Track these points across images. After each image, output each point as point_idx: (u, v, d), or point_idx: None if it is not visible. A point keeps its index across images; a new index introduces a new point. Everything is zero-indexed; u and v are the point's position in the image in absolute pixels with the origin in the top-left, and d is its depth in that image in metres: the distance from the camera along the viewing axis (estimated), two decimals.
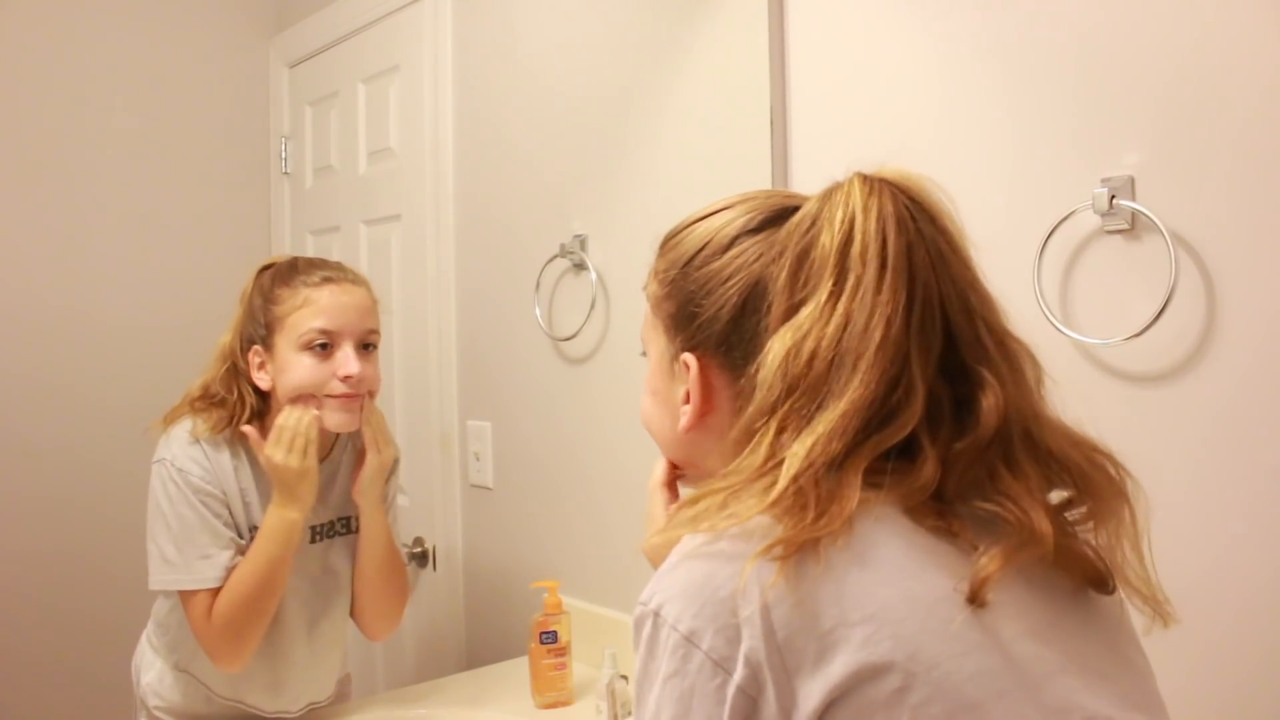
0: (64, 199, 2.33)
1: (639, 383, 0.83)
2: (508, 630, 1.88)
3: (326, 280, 1.41)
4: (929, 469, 0.64)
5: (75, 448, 2.28)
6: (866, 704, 0.57)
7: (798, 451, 0.62)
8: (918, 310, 0.65)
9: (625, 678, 1.45)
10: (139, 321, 2.37)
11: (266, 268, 1.48)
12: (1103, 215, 1.08)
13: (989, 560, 0.61)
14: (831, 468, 0.62)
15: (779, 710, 0.58)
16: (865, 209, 0.67)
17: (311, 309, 1.39)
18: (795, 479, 0.61)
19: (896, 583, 0.60)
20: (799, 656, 0.58)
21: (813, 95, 1.40)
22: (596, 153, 1.74)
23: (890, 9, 1.31)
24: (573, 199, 1.78)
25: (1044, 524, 0.64)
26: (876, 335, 0.63)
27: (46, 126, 2.30)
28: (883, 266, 0.65)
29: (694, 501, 0.65)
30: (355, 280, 1.45)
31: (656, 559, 0.81)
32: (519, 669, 1.65)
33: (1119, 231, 1.09)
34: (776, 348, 0.66)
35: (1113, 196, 1.06)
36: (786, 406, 0.64)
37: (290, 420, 1.38)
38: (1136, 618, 0.71)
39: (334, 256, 1.52)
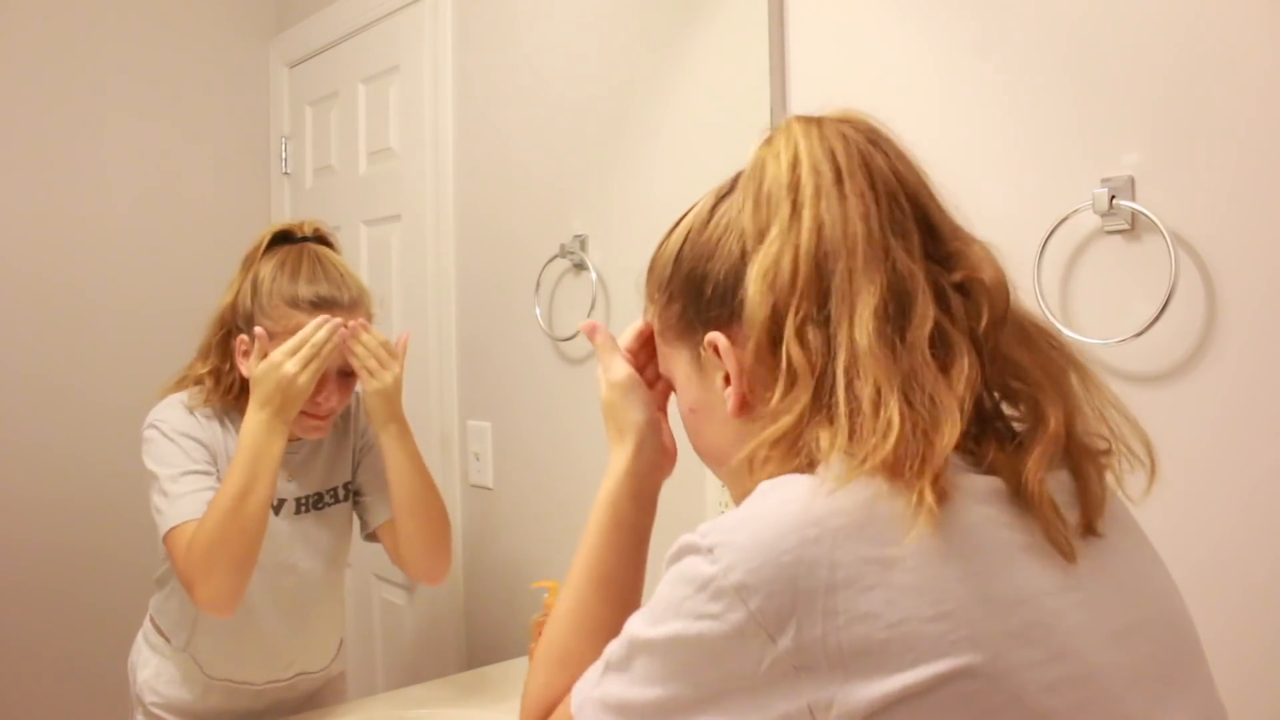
0: (64, 199, 2.32)
1: None
2: (508, 630, 1.88)
3: (319, 308, 1.38)
4: (968, 361, 0.62)
5: (74, 445, 2.28)
6: (934, 705, 0.54)
7: (863, 375, 0.60)
8: (885, 204, 0.65)
9: None
10: (139, 320, 2.37)
11: (278, 242, 1.45)
12: (1103, 215, 1.08)
13: (1029, 466, 0.61)
14: (911, 375, 0.60)
15: (823, 694, 0.55)
16: (807, 135, 0.68)
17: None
18: (904, 408, 0.58)
19: (978, 580, 0.57)
20: (860, 645, 0.54)
21: (813, 95, 1.40)
22: (596, 153, 1.74)
23: (890, 10, 1.31)
24: (573, 199, 1.78)
25: (1059, 419, 0.64)
26: (858, 233, 0.64)
27: (46, 126, 2.30)
28: (838, 174, 0.66)
29: (763, 454, 0.63)
30: (351, 305, 1.41)
31: (613, 414, 0.84)
32: (519, 669, 1.65)
33: (1119, 231, 1.09)
34: (754, 271, 0.65)
35: (1113, 196, 1.06)
36: (792, 315, 0.63)
37: (310, 331, 1.33)
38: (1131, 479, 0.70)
39: (353, 279, 1.47)
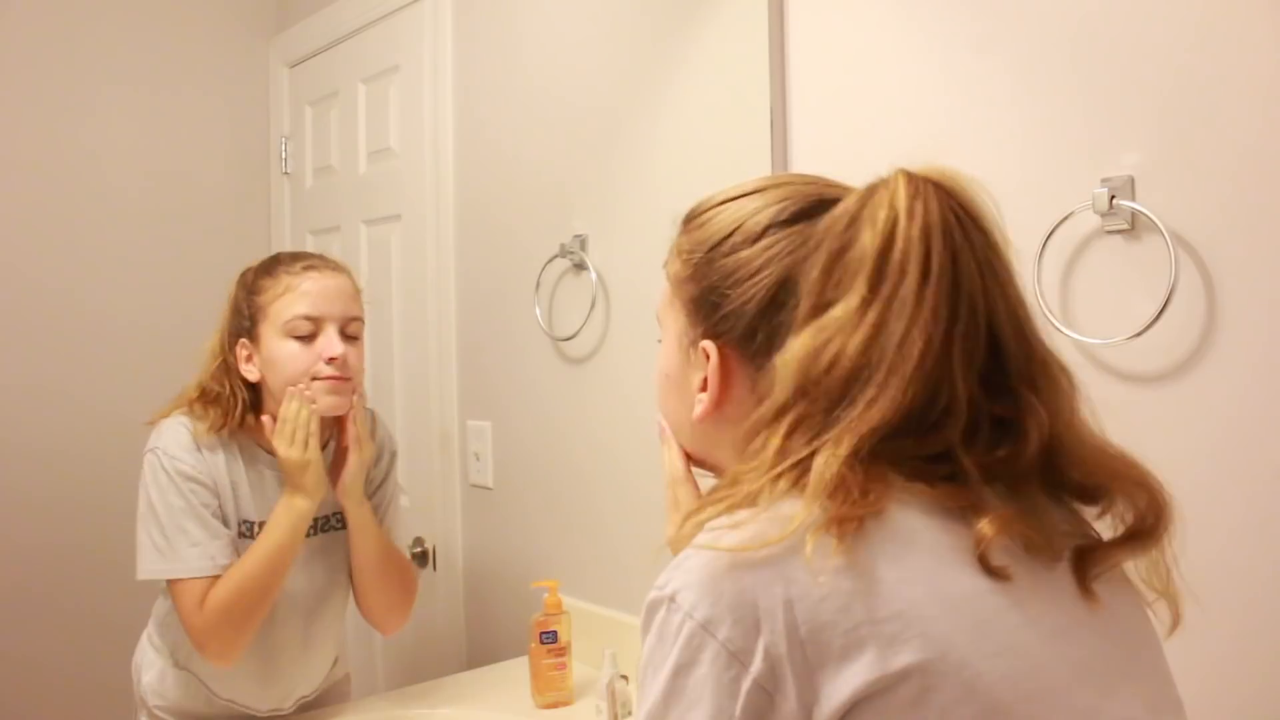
0: (64, 199, 2.33)
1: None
2: (508, 630, 1.88)
3: (308, 268, 1.44)
4: (974, 484, 0.62)
5: (75, 447, 2.28)
6: (895, 703, 0.56)
7: (825, 453, 0.60)
8: (962, 324, 0.62)
9: (625, 678, 1.45)
10: (139, 321, 2.37)
11: (248, 270, 1.50)
12: (1103, 215, 1.08)
13: (986, 524, 0.60)
14: (862, 463, 0.60)
15: (799, 706, 0.56)
16: (909, 212, 0.63)
17: (293, 295, 1.41)
18: (829, 468, 0.59)
19: (926, 580, 0.59)
20: (823, 652, 0.56)
21: (813, 95, 1.40)
22: (596, 153, 1.74)
23: (890, 10, 1.31)
24: (573, 199, 1.78)
25: (1050, 517, 0.64)
26: (916, 349, 0.60)
27: (46, 127, 2.30)
28: (924, 277, 0.61)
29: (714, 500, 0.64)
30: (336, 268, 1.47)
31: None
32: (519, 669, 1.65)
33: (1119, 231, 1.09)
34: (797, 346, 0.63)
35: (1113, 196, 1.06)
36: (799, 409, 0.62)
37: (289, 412, 1.39)
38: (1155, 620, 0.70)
39: (334, 256, 1.52)
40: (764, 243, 0.70)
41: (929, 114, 1.26)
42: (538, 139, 1.86)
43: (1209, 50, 1.02)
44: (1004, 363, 0.64)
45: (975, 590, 0.59)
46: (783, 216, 0.71)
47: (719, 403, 0.72)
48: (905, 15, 1.29)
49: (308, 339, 1.41)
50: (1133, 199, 1.07)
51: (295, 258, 1.47)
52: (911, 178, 0.65)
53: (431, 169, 2.09)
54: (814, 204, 0.71)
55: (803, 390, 0.62)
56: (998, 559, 0.60)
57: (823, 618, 0.57)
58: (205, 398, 1.44)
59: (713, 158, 1.52)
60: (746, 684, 0.57)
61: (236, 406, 1.42)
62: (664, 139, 1.62)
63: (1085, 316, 1.12)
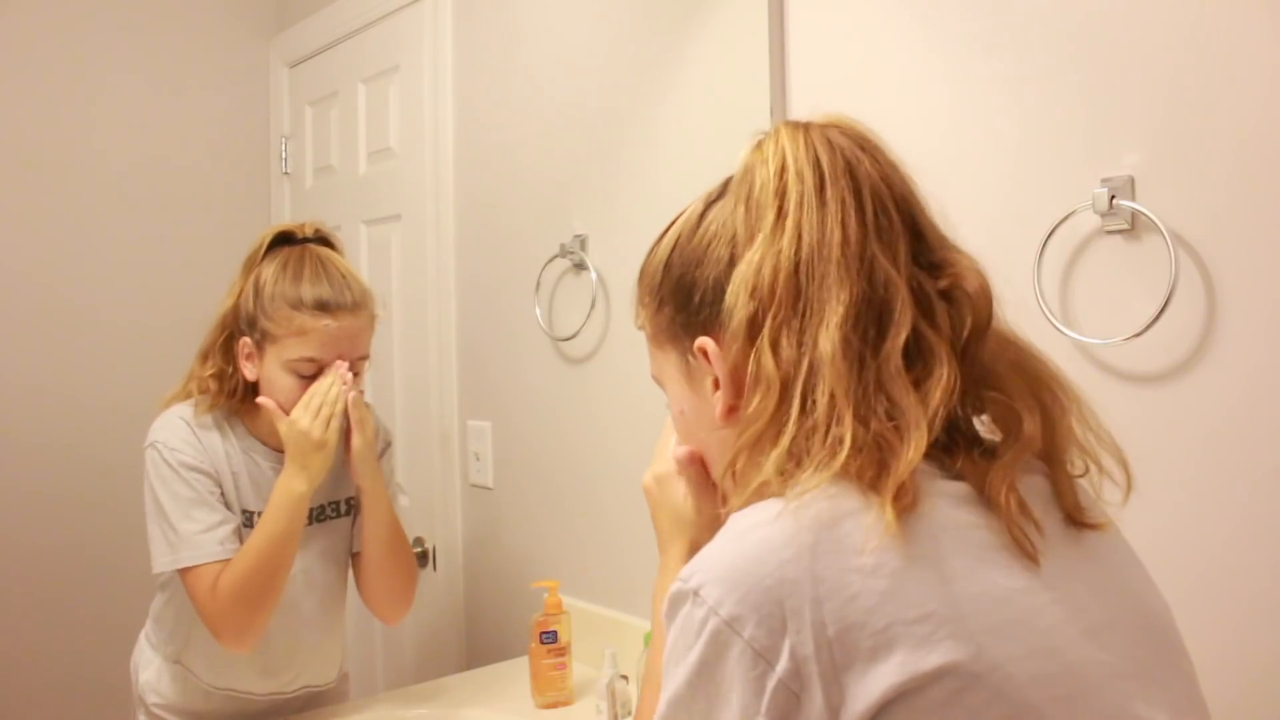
0: (64, 199, 2.33)
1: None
2: (508, 630, 1.88)
3: (323, 310, 1.39)
4: (947, 370, 0.63)
5: (75, 446, 2.28)
6: (924, 704, 0.55)
7: (821, 386, 0.61)
8: (870, 212, 0.66)
9: (625, 677, 1.45)
10: (139, 320, 2.37)
11: (278, 244, 1.46)
12: (1103, 215, 1.08)
13: (995, 472, 0.62)
14: (874, 387, 0.61)
15: (826, 707, 0.56)
16: (793, 139, 0.69)
17: (304, 339, 1.38)
18: (856, 426, 0.59)
19: (958, 579, 0.59)
20: (851, 653, 0.56)
21: (813, 95, 1.40)
22: (596, 153, 1.74)
23: (890, 10, 1.31)
24: (573, 199, 1.78)
25: (1033, 427, 0.66)
26: (835, 239, 0.64)
27: (46, 127, 2.30)
28: (821, 180, 0.66)
29: (739, 488, 0.64)
30: (354, 307, 1.42)
31: (660, 494, 0.83)
32: (519, 669, 1.65)
33: (1119, 231, 1.09)
34: (737, 276, 0.66)
35: (1113, 196, 1.06)
36: (770, 321, 0.64)
37: (323, 386, 1.38)
38: (1110, 490, 0.71)
39: (355, 279, 1.47)
40: (705, 222, 0.74)
41: (929, 114, 1.26)
42: (538, 139, 1.86)
43: (1209, 50, 1.02)
44: (927, 242, 0.68)
45: (1007, 590, 0.59)
46: (711, 198, 0.75)
47: (736, 390, 0.70)
48: (905, 15, 1.29)
49: (308, 379, 1.39)
50: (1133, 199, 1.07)
51: (317, 283, 1.40)
52: (790, 121, 0.71)
53: (431, 169, 2.09)
54: (728, 180, 0.75)
55: (762, 306, 0.65)
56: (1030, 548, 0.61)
57: (852, 618, 0.56)
58: (207, 369, 1.43)
59: (712, 156, 1.50)
60: (771, 683, 0.56)
61: (237, 385, 1.42)
62: (664, 138, 1.62)
63: (1085, 316, 1.12)
